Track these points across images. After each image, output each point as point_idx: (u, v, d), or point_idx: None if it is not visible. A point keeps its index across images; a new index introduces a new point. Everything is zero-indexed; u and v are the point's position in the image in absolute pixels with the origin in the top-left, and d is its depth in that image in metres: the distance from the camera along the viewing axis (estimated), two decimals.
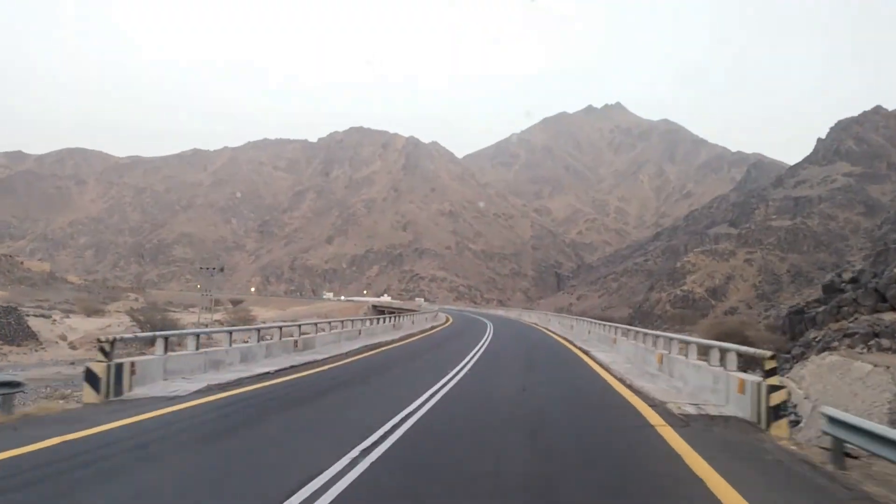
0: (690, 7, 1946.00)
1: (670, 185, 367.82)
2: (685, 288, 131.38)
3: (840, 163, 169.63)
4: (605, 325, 36.82)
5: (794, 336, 38.69)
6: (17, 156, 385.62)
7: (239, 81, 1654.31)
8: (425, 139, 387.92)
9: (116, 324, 48.61)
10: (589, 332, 39.70)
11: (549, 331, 51.31)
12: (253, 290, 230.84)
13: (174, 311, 79.28)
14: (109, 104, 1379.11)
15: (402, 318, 44.56)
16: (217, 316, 70.95)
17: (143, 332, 37.28)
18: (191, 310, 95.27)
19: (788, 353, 34.90)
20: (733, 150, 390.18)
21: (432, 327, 48.99)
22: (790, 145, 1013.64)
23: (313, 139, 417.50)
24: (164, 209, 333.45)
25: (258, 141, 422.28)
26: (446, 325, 60.18)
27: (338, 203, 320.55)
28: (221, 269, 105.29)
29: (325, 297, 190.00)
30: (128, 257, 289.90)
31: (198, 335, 19.75)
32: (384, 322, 39.59)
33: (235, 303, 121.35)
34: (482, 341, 35.75)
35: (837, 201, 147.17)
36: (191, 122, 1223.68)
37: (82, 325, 58.98)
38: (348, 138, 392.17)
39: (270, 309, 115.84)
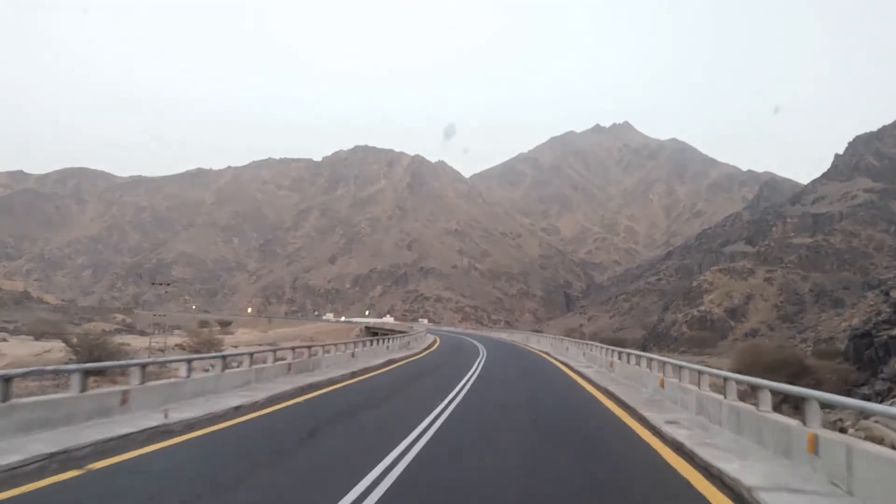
0: (696, 28, 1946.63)
1: (680, 204, 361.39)
2: (703, 308, 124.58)
3: (860, 178, 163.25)
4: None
5: (863, 365, 31.95)
6: (19, 175, 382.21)
7: (245, 101, 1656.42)
8: (431, 159, 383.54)
9: (59, 349, 42.07)
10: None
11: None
12: (249, 310, 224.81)
13: (130, 335, 71.90)
14: (113, 125, 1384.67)
15: (361, 346, 36.92)
16: (175, 340, 63.37)
17: (78, 360, 30.76)
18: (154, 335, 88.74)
19: (859, 385, 28.31)
20: (744, 168, 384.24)
21: (404, 357, 40.79)
22: (802, 164, 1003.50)
23: (318, 158, 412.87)
24: (165, 229, 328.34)
25: (262, 160, 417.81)
26: (424, 353, 47.34)
27: (342, 222, 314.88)
28: (168, 284, 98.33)
29: (324, 318, 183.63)
30: (125, 278, 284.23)
31: (143, 365, 14.82)
32: (342, 350, 32.17)
33: (223, 324, 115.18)
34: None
35: (860, 218, 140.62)
36: (196, 144, 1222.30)
37: (14, 351, 52.36)
38: (353, 156, 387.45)
39: (253, 331, 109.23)
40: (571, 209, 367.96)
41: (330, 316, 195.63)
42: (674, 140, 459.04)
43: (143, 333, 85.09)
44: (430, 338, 68.91)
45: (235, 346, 55.39)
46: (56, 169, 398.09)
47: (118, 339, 41.76)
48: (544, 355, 45.26)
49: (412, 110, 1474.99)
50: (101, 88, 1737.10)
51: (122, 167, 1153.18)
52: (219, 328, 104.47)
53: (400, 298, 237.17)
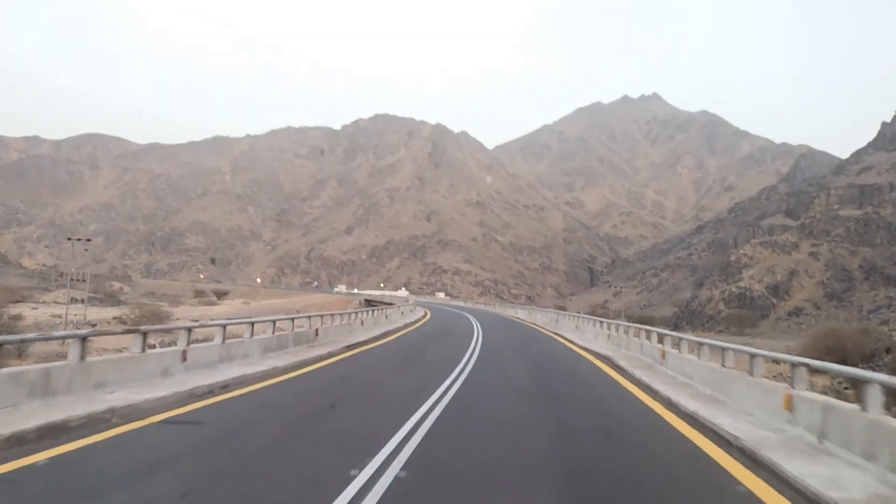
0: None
1: (710, 177, 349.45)
2: (742, 285, 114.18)
3: None
4: None
5: None
6: (34, 141, 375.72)
7: (266, 69, 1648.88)
8: (454, 129, 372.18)
9: None
10: None
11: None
12: (258, 280, 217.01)
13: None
14: (133, 91, 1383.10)
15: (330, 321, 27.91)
16: (113, 312, 53.53)
17: None
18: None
19: None
20: (777, 141, 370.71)
21: (374, 338, 30.92)
22: (839, 136, 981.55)
23: (337, 126, 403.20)
24: (179, 196, 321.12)
25: (281, 129, 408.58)
26: (408, 329, 39.19)
27: (359, 192, 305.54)
28: (88, 240, 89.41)
29: (335, 290, 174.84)
30: (138, 245, 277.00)
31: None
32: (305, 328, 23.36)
33: (220, 294, 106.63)
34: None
35: None
36: (216, 111, 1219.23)
37: None
38: (373, 125, 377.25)
39: (235, 303, 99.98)
40: (597, 182, 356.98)
41: (342, 288, 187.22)
42: (704, 112, 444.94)
43: (113, 302, 76.55)
44: (420, 312, 60.40)
45: (196, 320, 45.94)
46: (72, 135, 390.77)
47: (18, 309, 32.81)
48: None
49: (433, 80, 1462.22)
50: (122, 55, 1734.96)
51: (141, 135, 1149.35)
52: (215, 298, 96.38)
53: (417, 271, 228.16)
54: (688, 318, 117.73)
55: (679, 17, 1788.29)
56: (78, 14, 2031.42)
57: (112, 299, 75.23)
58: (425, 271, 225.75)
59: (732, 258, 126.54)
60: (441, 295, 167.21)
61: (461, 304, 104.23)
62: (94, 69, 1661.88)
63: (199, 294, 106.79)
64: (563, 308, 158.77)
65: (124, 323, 41.63)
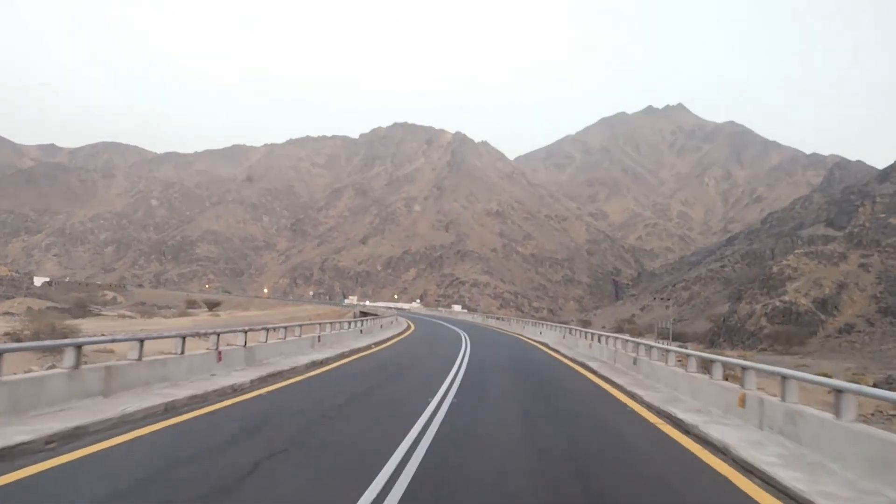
0: (754, 7, 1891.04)
1: (739, 188, 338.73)
2: (786, 298, 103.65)
3: None
4: None
5: None
6: (50, 149, 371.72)
7: (285, 81, 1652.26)
8: (474, 138, 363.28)
9: None
10: None
11: None
12: (265, 291, 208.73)
13: None
14: (152, 101, 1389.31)
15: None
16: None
17: None
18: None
19: None
20: (807, 152, 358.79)
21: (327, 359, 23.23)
22: (871, 146, 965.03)
23: (355, 136, 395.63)
24: (193, 205, 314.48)
25: (299, 139, 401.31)
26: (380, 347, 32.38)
27: (376, 201, 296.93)
28: None
29: (345, 302, 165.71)
30: (149, 255, 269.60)
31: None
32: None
33: (212, 305, 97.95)
34: None
35: None
36: (235, 121, 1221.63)
37: None
38: (391, 134, 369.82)
39: (208, 315, 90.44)
40: (621, 193, 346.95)
41: (353, 299, 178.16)
42: (731, 123, 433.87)
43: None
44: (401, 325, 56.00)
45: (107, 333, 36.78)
46: (89, 143, 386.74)
47: None
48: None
49: (455, 90, 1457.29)
50: (143, 66, 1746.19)
51: (160, 144, 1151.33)
52: (206, 309, 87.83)
53: (434, 283, 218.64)
54: (725, 334, 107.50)
55: (704, 28, 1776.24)
56: (104, 25, 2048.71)
57: (80, 310, 66.87)
58: (442, 283, 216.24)
59: (775, 269, 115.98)
60: (457, 308, 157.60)
61: (469, 318, 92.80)
62: (114, 80, 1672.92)
63: (191, 304, 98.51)
64: (587, 323, 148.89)
65: (17, 339, 32.51)
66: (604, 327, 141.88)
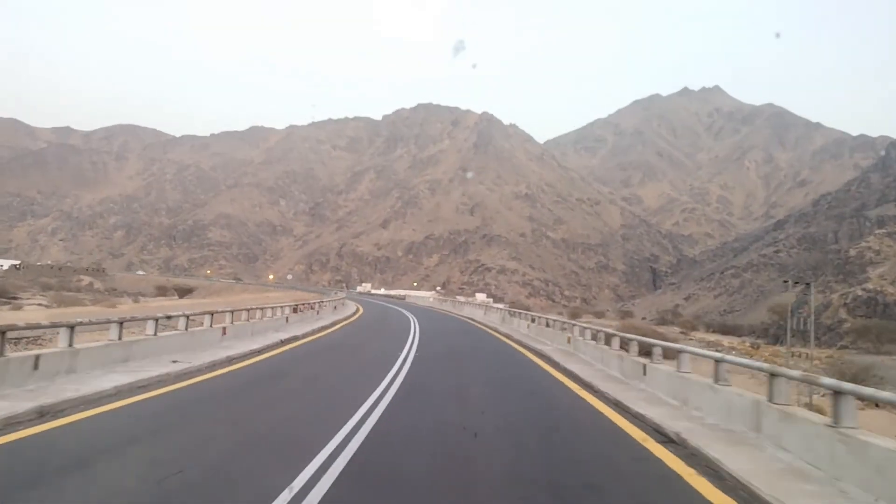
0: None
1: (781, 172, 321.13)
2: (869, 287, 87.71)
3: None
4: None
5: None
6: (65, 131, 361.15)
7: (311, 64, 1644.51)
8: (501, 118, 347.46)
9: None
10: None
11: None
12: (271, 277, 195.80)
13: None
14: (174, 83, 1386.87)
15: None
16: None
17: None
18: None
19: None
20: (853, 133, 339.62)
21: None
22: None
23: (377, 117, 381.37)
24: (208, 188, 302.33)
25: (322, 121, 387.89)
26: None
27: (399, 184, 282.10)
28: None
29: (358, 290, 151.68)
30: (158, 240, 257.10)
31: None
32: None
33: (183, 292, 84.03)
34: None
35: None
36: (258, 104, 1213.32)
37: None
38: (415, 115, 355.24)
39: (153, 302, 76.35)
40: (656, 177, 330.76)
41: (367, 287, 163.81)
42: (770, 105, 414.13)
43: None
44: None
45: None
46: (105, 126, 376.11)
47: None
48: None
49: (483, 73, 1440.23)
50: (165, 47, 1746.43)
51: (179, 127, 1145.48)
52: (176, 296, 74.22)
53: (458, 269, 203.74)
54: (794, 327, 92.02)
55: (741, 11, 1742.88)
56: (128, 9, 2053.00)
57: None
58: (466, 269, 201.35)
59: (852, 253, 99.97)
60: (482, 296, 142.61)
61: (471, 316, 71.87)
62: (136, 62, 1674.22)
63: (161, 290, 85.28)
64: (628, 314, 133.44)
65: None
66: (644, 318, 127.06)
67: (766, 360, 50.95)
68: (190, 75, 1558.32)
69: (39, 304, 56.18)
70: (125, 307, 53.91)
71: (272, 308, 28.23)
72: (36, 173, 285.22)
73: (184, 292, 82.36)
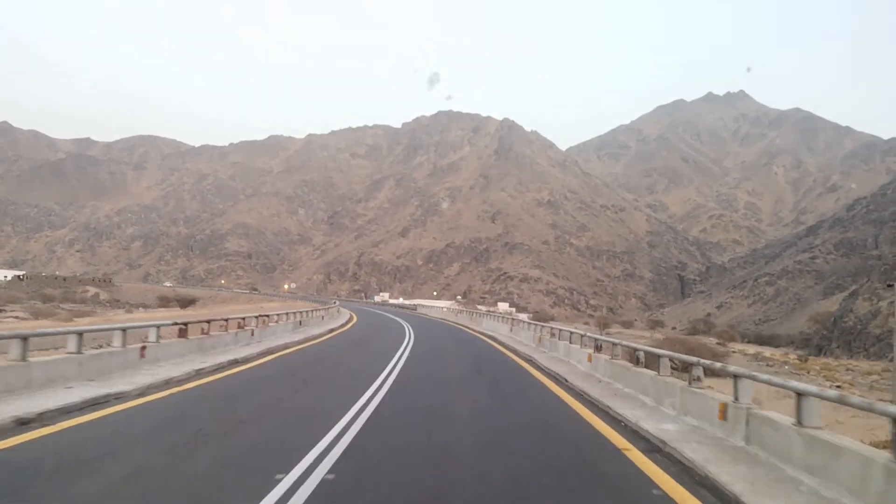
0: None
1: (810, 177, 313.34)
2: None
3: None
4: None
5: None
6: (85, 142, 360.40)
7: (331, 69, 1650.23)
8: (523, 126, 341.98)
9: None
10: None
11: None
12: (286, 286, 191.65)
13: None
14: (197, 95, 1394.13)
15: None
16: None
17: None
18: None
19: None
20: (885, 137, 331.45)
21: None
22: None
23: (397, 125, 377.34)
24: (227, 197, 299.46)
25: (341, 130, 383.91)
26: None
27: (418, 192, 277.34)
28: None
29: (376, 299, 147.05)
30: (176, 250, 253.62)
31: None
32: None
33: (185, 303, 79.41)
34: None
35: None
36: (279, 115, 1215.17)
37: None
38: (435, 122, 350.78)
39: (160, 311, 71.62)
40: (681, 184, 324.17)
41: (385, 296, 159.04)
42: (797, 109, 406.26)
43: None
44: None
45: None
46: (125, 136, 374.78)
47: None
48: None
49: (504, 80, 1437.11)
50: (190, 57, 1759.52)
51: (200, 137, 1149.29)
52: (178, 306, 69.76)
53: (480, 278, 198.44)
54: (839, 338, 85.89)
55: (765, 16, 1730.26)
56: (161, 22, 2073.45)
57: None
58: (488, 278, 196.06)
59: None
60: (504, 306, 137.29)
61: (484, 329, 66.50)
62: (157, 72, 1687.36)
63: (163, 301, 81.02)
64: (658, 323, 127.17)
65: None
66: (674, 328, 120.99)
67: (825, 378, 45.05)
68: (210, 85, 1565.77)
69: (17, 317, 51.89)
70: (87, 319, 49.18)
71: (240, 319, 23.06)
72: (55, 184, 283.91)
73: (187, 303, 77.92)
